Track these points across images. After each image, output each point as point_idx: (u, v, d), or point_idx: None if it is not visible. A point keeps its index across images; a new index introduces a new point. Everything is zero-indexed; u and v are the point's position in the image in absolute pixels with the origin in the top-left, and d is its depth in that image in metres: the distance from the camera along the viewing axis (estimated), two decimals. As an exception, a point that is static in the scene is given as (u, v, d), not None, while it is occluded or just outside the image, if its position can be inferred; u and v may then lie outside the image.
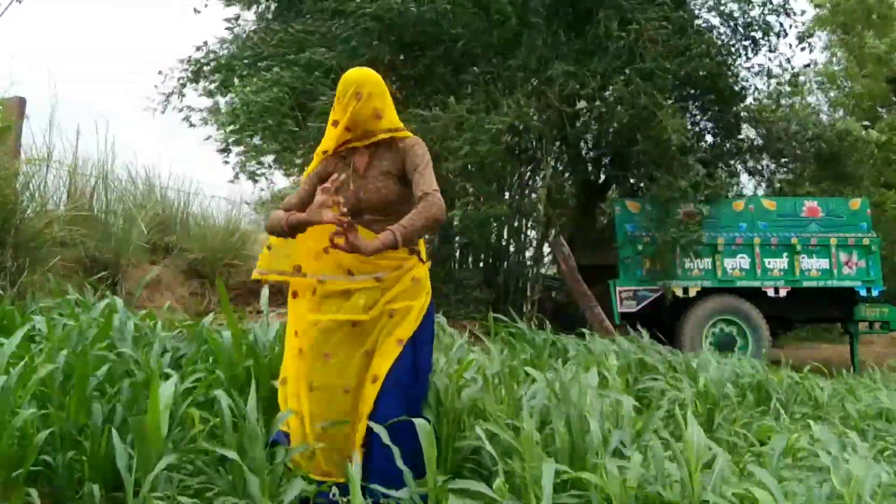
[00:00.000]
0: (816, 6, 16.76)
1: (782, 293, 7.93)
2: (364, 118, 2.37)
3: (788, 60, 10.95)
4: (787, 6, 9.20)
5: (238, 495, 2.06)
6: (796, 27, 10.25)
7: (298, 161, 7.70)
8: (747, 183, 11.55)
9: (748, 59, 9.56)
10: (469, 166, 7.22)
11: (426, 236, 2.43)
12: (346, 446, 2.23)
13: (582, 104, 7.10)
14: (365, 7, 7.00)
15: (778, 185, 10.97)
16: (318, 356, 2.30)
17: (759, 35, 9.28)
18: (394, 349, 2.28)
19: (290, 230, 2.33)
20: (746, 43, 9.37)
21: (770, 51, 9.63)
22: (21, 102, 6.39)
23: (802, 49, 9.98)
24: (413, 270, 2.37)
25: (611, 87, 7.20)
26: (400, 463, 2.00)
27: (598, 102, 7.11)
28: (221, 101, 8.33)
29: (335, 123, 2.43)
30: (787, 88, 10.91)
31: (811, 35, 13.33)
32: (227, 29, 8.30)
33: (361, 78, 2.39)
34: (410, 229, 2.22)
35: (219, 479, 2.19)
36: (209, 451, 2.28)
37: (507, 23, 7.50)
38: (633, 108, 7.25)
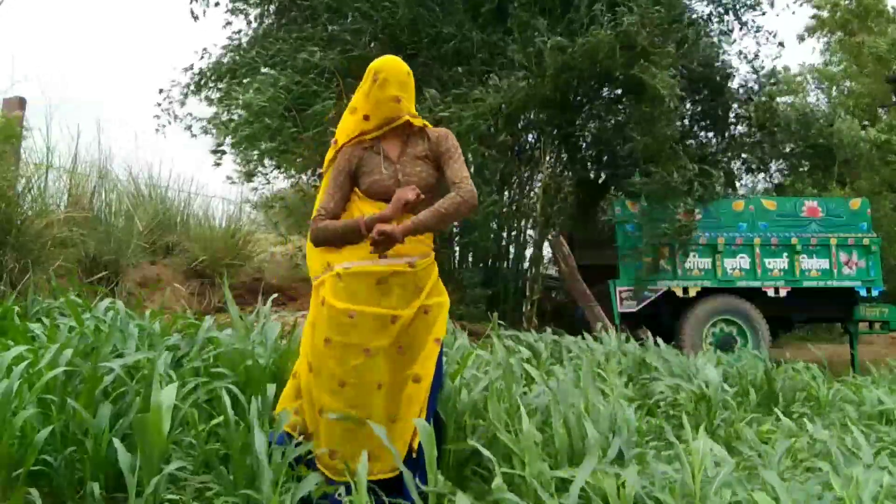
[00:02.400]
0: (815, 7, 16.77)
1: (782, 293, 7.94)
2: (382, 102, 2.35)
3: (774, 35, 10.89)
4: None
5: (241, 494, 2.06)
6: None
7: (298, 161, 7.72)
8: (744, 180, 11.56)
9: (738, 40, 9.61)
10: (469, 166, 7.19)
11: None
12: (369, 445, 2.10)
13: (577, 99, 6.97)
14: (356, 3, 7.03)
15: (774, 181, 10.97)
16: (357, 352, 2.19)
17: (746, 15, 9.34)
18: (434, 349, 2.27)
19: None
20: (735, 25, 9.43)
21: (756, 31, 9.68)
22: (21, 102, 6.40)
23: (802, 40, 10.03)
24: (435, 264, 2.38)
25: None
26: (401, 464, 1.99)
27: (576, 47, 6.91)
28: (222, 112, 8.35)
29: (353, 111, 2.43)
30: (776, 67, 10.93)
31: (811, 34, 13.40)
32: (228, 38, 8.33)
33: (380, 64, 2.39)
34: (443, 211, 2.23)
35: (220, 478, 2.19)
36: (210, 451, 2.28)
37: (496, 21, 7.47)
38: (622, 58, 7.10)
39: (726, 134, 9.90)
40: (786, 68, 11.58)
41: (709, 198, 7.86)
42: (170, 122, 8.24)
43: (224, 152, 7.89)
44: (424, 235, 2.30)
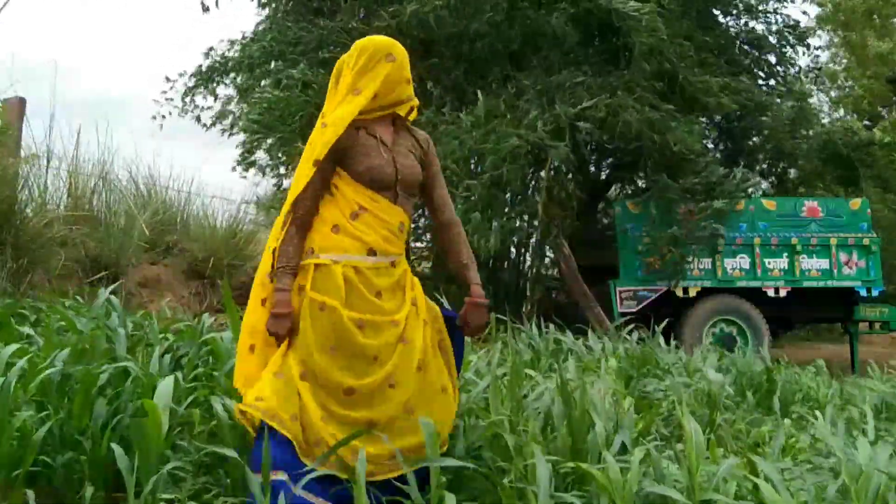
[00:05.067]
0: (819, 5, 16.73)
1: (782, 293, 7.93)
2: (398, 83, 2.22)
3: (797, 54, 10.76)
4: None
5: (238, 496, 2.06)
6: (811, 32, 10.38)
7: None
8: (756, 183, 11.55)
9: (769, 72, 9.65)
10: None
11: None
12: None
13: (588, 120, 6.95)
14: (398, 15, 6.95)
15: (779, 184, 10.96)
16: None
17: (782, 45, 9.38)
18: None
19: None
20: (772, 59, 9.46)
21: (788, 63, 9.69)
22: (21, 102, 6.39)
23: (805, 44, 10.02)
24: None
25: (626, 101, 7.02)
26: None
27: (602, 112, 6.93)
28: (233, 104, 8.33)
29: (356, 91, 2.17)
30: (805, 81, 10.96)
31: (813, 33, 13.39)
32: (255, 25, 8.19)
33: (389, 43, 2.24)
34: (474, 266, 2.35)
35: (220, 479, 2.18)
36: (209, 452, 2.27)
37: (532, 22, 7.42)
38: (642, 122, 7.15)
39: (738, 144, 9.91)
40: (785, 68, 11.56)
41: (731, 198, 7.78)
42: (171, 113, 8.18)
43: (254, 163, 7.90)
44: (399, 236, 2.21)
